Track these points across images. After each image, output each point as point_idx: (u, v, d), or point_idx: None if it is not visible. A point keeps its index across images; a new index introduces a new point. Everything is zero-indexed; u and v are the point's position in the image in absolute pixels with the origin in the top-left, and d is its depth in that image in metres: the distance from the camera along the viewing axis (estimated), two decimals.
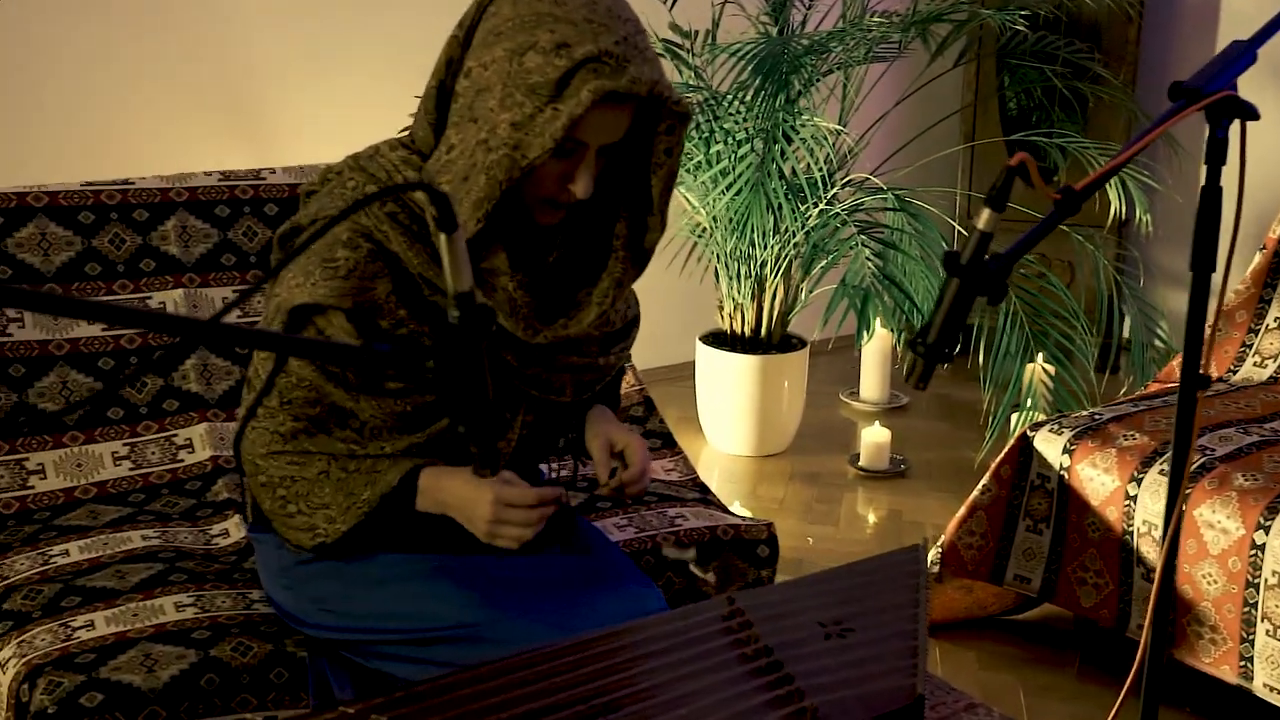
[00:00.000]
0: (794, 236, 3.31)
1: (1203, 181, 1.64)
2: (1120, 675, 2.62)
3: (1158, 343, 3.35)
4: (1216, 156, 1.63)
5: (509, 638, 1.61)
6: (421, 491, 1.67)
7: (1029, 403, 3.11)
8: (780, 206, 3.19)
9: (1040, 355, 3.22)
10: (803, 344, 3.76)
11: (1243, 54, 1.62)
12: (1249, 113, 1.60)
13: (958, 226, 4.05)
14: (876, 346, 4.13)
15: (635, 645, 1.58)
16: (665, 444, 2.51)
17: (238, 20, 3.47)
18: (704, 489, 2.37)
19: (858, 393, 4.21)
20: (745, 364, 3.66)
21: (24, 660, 1.72)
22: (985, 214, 1.36)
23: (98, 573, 1.92)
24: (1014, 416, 3.49)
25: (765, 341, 3.72)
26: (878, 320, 3.28)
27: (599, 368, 1.81)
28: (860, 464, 3.66)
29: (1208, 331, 1.68)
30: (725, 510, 2.30)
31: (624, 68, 1.52)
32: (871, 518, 3.43)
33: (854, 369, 4.27)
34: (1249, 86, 1.57)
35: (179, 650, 1.74)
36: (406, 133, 1.73)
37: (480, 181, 1.56)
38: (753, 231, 3.19)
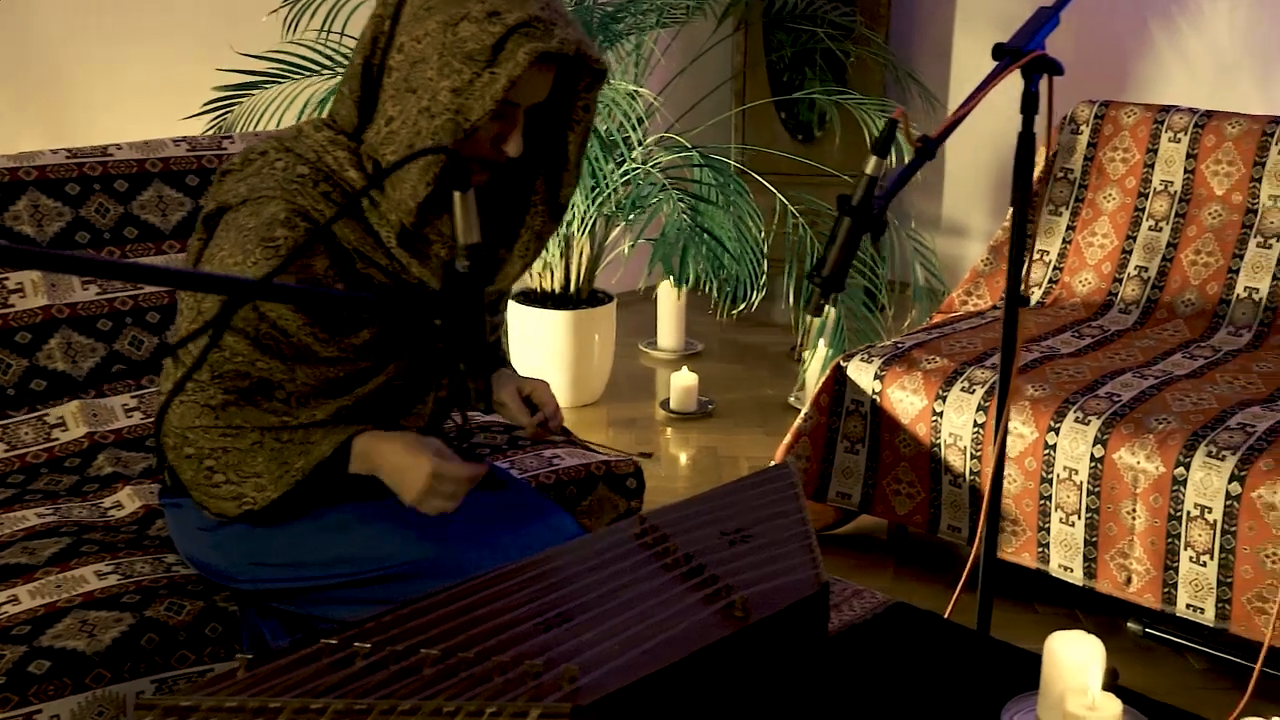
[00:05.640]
0: (602, 195, 3.49)
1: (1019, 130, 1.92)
2: (934, 571, 2.94)
3: (934, 282, 3.71)
4: (1030, 107, 1.91)
5: (449, 571, 1.73)
6: (355, 456, 1.73)
7: (834, 340, 3.40)
8: (595, 164, 3.37)
9: (840, 298, 3.52)
10: (609, 298, 3.96)
11: (1050, 18, 1.90)
12: (1056, 69, 1.89)
13: None
14: (669, 298, 4.37)
15: (568, 565, 1.73)
16: None
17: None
18: (566, 431, 2.53)
19: (655, 342, 4.45)
20: (557, 319, 3.83)
21: None
22: (872, 160, 1.58)
23: (3, 551, 1.93)
24: (807, 354, 3.80)
25: (574, 297, 3.90)
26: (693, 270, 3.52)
27: (495, 326, 1.94)
28: (671, 407, 3.90)
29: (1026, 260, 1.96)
30: (590, 449, 2.47)
31: (552, 30, 1.64)
32: (689, 456, 3.67)
33: (649, 320, 4.50)
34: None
35: (114, 614, 1.79)
36: (324, 115, 1.80)
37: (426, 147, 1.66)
38: None
